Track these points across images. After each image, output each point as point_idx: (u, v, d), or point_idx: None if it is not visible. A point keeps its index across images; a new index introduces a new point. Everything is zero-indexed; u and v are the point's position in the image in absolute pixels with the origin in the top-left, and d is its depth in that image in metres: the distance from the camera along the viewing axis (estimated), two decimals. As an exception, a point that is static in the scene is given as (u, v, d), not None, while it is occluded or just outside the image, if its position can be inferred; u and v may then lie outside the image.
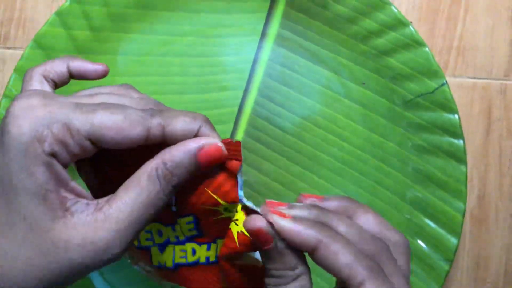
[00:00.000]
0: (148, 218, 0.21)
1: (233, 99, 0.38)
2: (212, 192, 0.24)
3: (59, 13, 0.37)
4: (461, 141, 0.36)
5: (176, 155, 0.22)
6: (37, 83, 0.28)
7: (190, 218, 0.26)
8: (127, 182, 0.21)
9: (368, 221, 0.23)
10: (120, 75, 0.38)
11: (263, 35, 0.39)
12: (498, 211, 0.38)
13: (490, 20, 0.40)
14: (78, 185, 0.22)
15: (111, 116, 0.21)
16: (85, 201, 0.21)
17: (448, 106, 0.36)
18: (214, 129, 0.23)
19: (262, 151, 0.38)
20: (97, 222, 0.20)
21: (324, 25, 0.38)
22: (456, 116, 0.36)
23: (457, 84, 0.39)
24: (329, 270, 0.21)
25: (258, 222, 0.21)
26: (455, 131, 0.36)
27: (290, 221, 0.21)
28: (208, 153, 0.22)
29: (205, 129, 0.23)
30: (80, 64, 0.29)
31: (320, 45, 0.38)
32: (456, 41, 0.39)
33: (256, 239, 0.22)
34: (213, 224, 0.25)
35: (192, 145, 0.22)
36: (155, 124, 0.22)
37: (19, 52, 0.39)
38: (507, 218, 0.38)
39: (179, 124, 0.22)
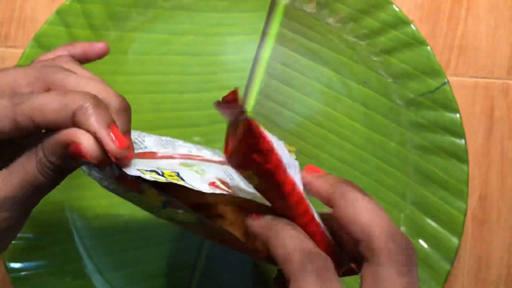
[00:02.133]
0: (27, 193, 0.22)
1: (234, 98, 0.38)
2: None
3: (59, 12, 0.37)
4: (463, 140, 0.36)
5: (50, 143, 0.21)
6: None
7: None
8: (19, 165, 0.22)
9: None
10: (120, 74, 0.38)
11: (264, 34, 0.39)
12: (499, 211, 0.38)
13: (492, 19, 0.39)
14: None
15: None
16: None
17: (450, 105, 0.36)
18: (96, 111, 0.21)
19: (263, 150, 0.38)
20: None
21: (325, 24, 0.38)
22: (458, 115, 0.36)
23: (458, 84, 0.39)
24: (346, 223, 0.20)
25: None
26: (457, 130, 0.36)
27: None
28: (76, 150, 0.21)
29: (81, 117, 0.21)
30: (82, 47, 0.28)
31: (321, 44, 0.38)
32: (457, 40, 0.39)
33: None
34: None
35: (62, 138, 0.21)
36: (21, 116, 0.21)
37: (19, 51, 0.39)
38: (509, 218, 0.38)
39: (48, 116, 0.21)
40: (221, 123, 0.38)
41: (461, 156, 0.36)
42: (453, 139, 0.36)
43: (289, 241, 0.20)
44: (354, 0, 0.37)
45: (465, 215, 0.35)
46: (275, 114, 0.38)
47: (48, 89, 0.22)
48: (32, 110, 0.21)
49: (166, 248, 0.37)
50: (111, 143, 0.21)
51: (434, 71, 0.36)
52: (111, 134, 0.21)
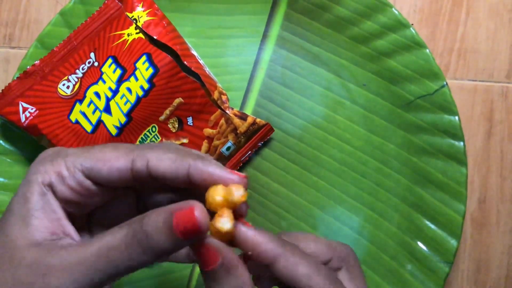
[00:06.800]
0: (112, 272, 0.20)
1: (235, 100, 0.39)
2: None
3: (63, 13, 0.37)
4: (462, 143, 0.36)
5: (158, 218, 0.20)
6: None
7: (110, 61, 0.33)
8: (111, 231, 0.21)
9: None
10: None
11: (265, 36, 0.39)
12: (499, 214, 0.38)
13: (492, 22, 0.40)
14: (70, 225, 0.23)
15: (101, 149, 0.23)
16: (68, 239, 0.22)
17: (449, 107, 0.36)
18: (212, 163, 0.21)
19: (263, 151, 0.38)
20: (63, 262, 0.20)
21: (325, 27, 0.38)
22: (457, 118, 0.36)
23: (458, 87, 0.39)
24: (288, 281, 0.22)
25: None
26: (456, 133, 0.36)
27: (254, 230, 0.21)
28: (189, 218, 0.19)
29: (200, 166, 0.21)
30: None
31: (321, 46, 0.39)
32: (457, 43, 0.40)
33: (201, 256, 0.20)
34: (126, 52, 0.33)
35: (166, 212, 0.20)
36: (139, 158, 0.22)
37: (23, 52, 0.39)
38: (508, 221, 0.38)
39: (163, 164, 0.21)
40: (221, 124, 0.38)
41: (460, 159, 0.36)
42: (452, 141, 0.36)
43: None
44: (355, 3, 0.37)
45: (463, 217, 0.35)
46: (275, 116, 0.38)
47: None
48: (149, 155, 0.22)
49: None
50: (237, 176, 0.21)
51: (433, 74, 0.36)
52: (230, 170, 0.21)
